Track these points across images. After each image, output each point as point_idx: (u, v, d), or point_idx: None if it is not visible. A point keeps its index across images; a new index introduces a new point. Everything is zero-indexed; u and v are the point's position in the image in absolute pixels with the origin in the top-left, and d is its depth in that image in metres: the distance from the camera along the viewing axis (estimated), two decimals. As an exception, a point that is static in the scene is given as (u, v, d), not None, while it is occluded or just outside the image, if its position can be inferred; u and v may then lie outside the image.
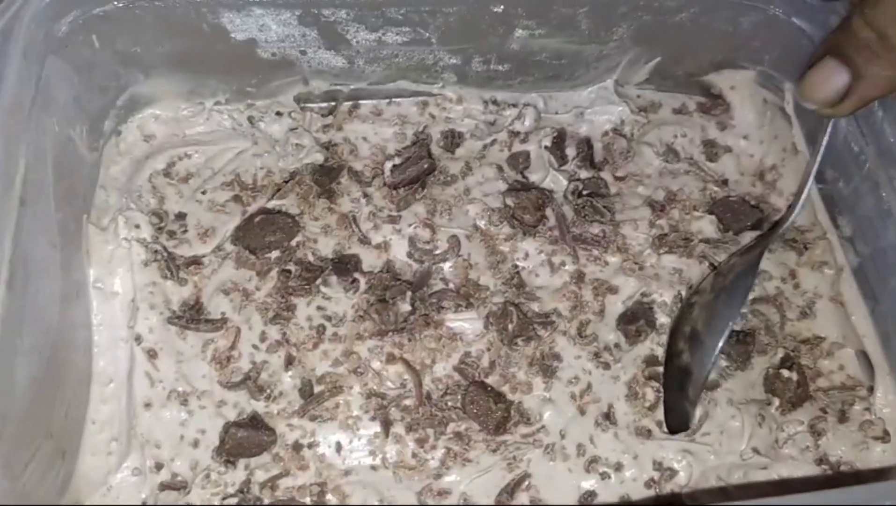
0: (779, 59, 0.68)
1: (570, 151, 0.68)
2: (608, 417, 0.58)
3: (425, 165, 0.64)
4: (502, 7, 0.63)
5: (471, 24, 0.64)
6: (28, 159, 0.52)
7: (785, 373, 0.59)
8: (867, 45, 0.52)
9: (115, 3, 0.59)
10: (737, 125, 0.71)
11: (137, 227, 0.61)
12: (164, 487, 0.55)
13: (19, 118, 0.52)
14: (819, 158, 0.59)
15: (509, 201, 0.64)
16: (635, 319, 0.61)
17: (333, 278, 0.60)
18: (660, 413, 0.58)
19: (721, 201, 0.66)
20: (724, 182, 0.69)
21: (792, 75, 0.67)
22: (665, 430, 0.58)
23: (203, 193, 0.64)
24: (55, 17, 0.57)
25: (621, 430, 0.57)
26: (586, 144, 0.68)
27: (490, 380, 0.58)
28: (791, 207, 0.62)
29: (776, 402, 0.59)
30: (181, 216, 0.63)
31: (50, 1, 0.55)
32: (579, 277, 0.62)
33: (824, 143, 0.59)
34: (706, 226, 0.65)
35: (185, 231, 0.63)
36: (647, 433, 0.57)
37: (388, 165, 0.65)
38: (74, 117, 0.60)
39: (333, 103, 0.69)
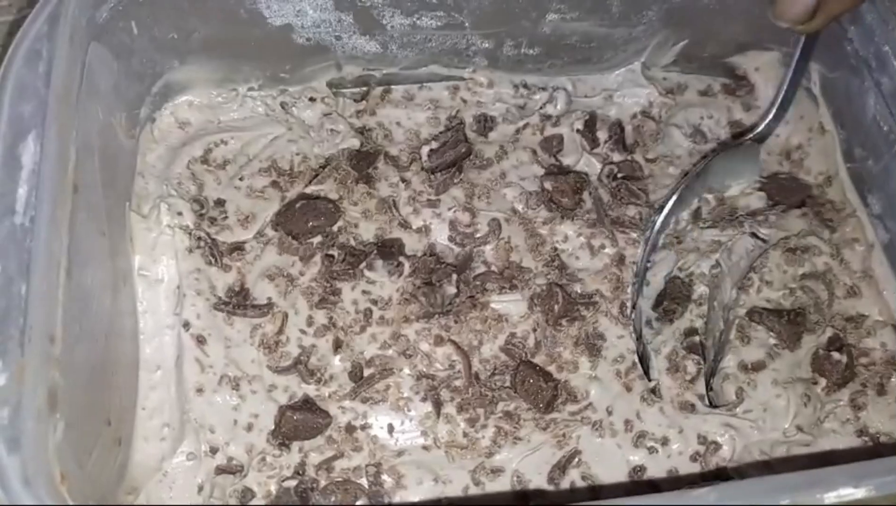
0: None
1: (602, 134, 0.69)
2: (654, 391, 0.59)
3: (463, 150, 0.65)
4: (536, -10, 0.64)
5: (504, 7, 0.65)
6: (78, 146, 0.52)
7: (835, 355, 0.60)
8: None
9: (155, -11, 0.59)
10: (761, 106, 0.72)
11: (180, 214, 0.61)
12: (220, 470, 0.55)
13: (69, 105, 0.52)
14: (791, 72, 0.64)
15: (547, 185, 0.65)
16: (669, 296, 0.62)
17: (378, 262, 0.60)
18: (701, 386, 0.59)
19: (771, 177, 0.67)
20: (753, 162, 0.70)
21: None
22: (706, 403, 0.59)
23: (241, 179, 0.64)
24: (96, 3, 0.56)
25: (666, 404, 0.59)
26: (618, 127, 0.69)
27: (537, 359, 0.59)
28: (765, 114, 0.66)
29: (822, 382, 0.60)
30: (221, 203, 0.63)
31: (93, -13, 0.55)
32: (620, 260, 0.63)
33: (796, 56, 0.63)
34: (754, 201, 0.66)
35: (226, 217, 0.63)
36: (691, 407, 0.59)
37: (426, 149, 0.65)
38: (114, 105, 0.60)
39: (365, 88, 0.70)
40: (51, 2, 0.53)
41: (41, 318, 0.45)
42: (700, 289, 0.63)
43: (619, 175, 0.66)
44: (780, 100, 0.65)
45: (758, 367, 0.60)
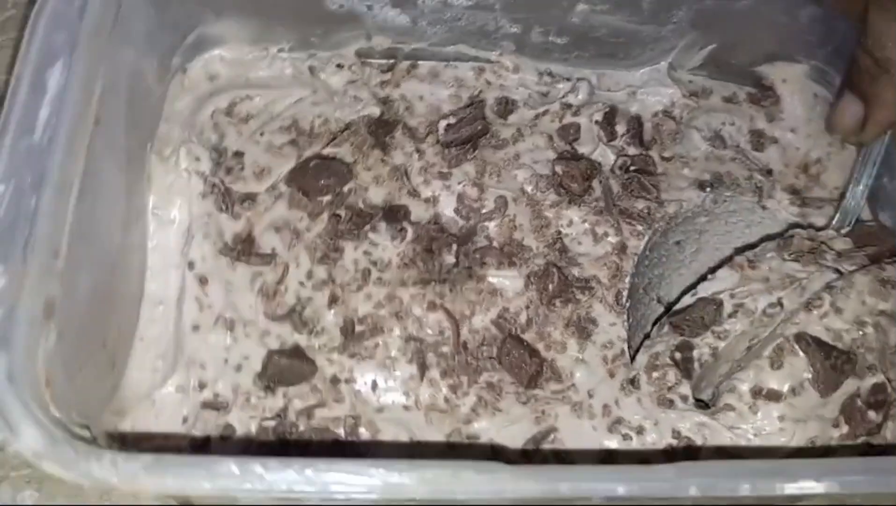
0: (832, 55, 0.69)
1: (620, 128, 0.70)
2: (633, 382, 0.59)
3: (479, 127, 0.66)
4: (569, -21, 0.65)
5: (535, -8, 0.66)
6: (105, 82, 0.54)
7: (871, 415, 0.54)
8: (868, 72, 0.56)
9: (197, -59, 0.61)
10: (786, 118, 0.72)
11: (198, 159, 0.63)
12: (206, 405, 0.57)
13: (100, 41, 0.54)
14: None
15: (558, 169, 0.66)
16: (688, 315, 0.61)
17: (382, 225, 0.61)
18: (683, 388, 0.59)
19: (856, 225, 0.65)
20: (769, 172, 0.70)
21: (841, 67, 0.68)
22: (691, 402, 0.59)
23: (261, 134, 0.66)
24: (135, -53, 0.59)
25: (644, 397, 0.59)
26: (637, 122, 0.70)
27: (526, 336, 0.60)
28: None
29: (845, 429, 0.55)
30: (239, 154, 0.65)
31: (133, -68, 0.58)
32: (621, 249, 0.64)
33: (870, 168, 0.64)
34: (839, 245, 0.61)
35: (243, 169, 0.65)
36: (669, 403, 0.59)
37: (443, 123, 0.66)
38: (146, 51, 0.62)
39: (392, 61, 0.71)
40: (94, -57, 0.55)
41: (47, 231, 0.47)
42: (734, 325, 0.58)
43: (633, 168, 0.67)
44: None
45: (772, 397, 0.55)
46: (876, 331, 0.56)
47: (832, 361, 0.54)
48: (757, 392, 0.56)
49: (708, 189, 0.67)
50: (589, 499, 0.42)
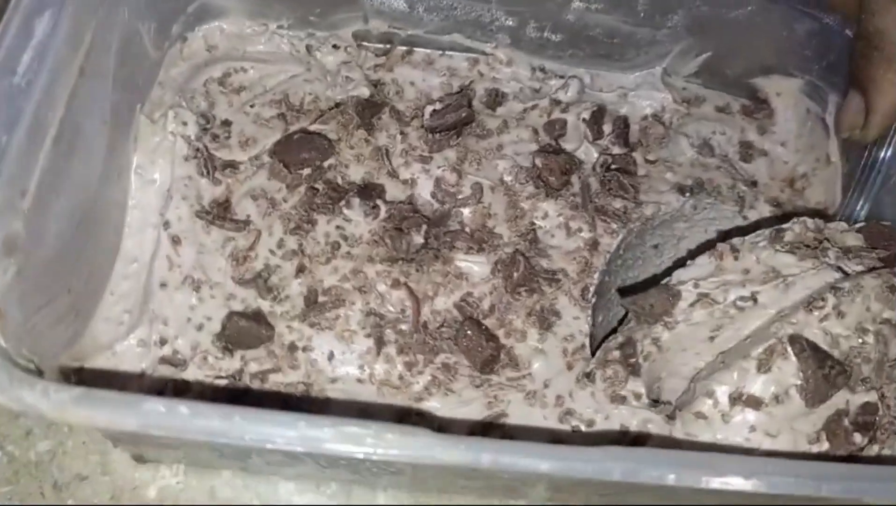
0: (827, 71, 0.69)
1: (607, 128, 0.70)
2: (589, 376, 0.59)
3: (463, 115, 0.66)
4: (564, -26, 0.65)
5: (531, -14, 0.67)
6: (94, 35, 0.56)
7: (857, 437, 0.51)
8: (862, 56, 0.58)
9: (202, -87, 0.63)
10: (777, 132, 0.72)
11: (185, 124, 0.64)
12: (164, 361, 0.58)
13: (93, -2, 0.56)
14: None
15: (538, 161, 0.66)
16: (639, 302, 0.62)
17: (356, 201, 0.62)
18: (634, 386, 0.59)
19: (869, 221, 0.63)
20: (754, 183, 0.70)
21: (838, 88, 0.68)
22: (646, 400, 0.59)
23: (251, 106, 0.68)
24: (140, -87, 0.61)
25: (598, 391, 0.59)
26: (623, 123, 0.70)
27: (487, 322, 0.60)
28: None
29: (824, 447, 0.51)
30: (227, 123, 0.67)
31: None
32: (593, 245, 0.64)
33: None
34: (851, 239, 0.57)
35: (229, 137, 0.66)
36: (622, 399, 0.58)
37: (429, 108, 0.67)
38: (145, 14, 0.64)
39: (388, 46, 0.72)
40: None
41: (15, 170, 0.48)
42: (689, 315, 0.56)
43: (613, 166, 0.67)
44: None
45: (752, 404, 0.51)
46: (876, 341, 0.52)
47: (825, 371, 0.50)
48: (736, 397, 0.52)
49: (688, 194, 0.67)
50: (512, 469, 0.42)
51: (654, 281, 0.62)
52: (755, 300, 0.55)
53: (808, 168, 0.70)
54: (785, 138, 0.72)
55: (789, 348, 0.51)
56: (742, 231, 0.64)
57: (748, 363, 0.52)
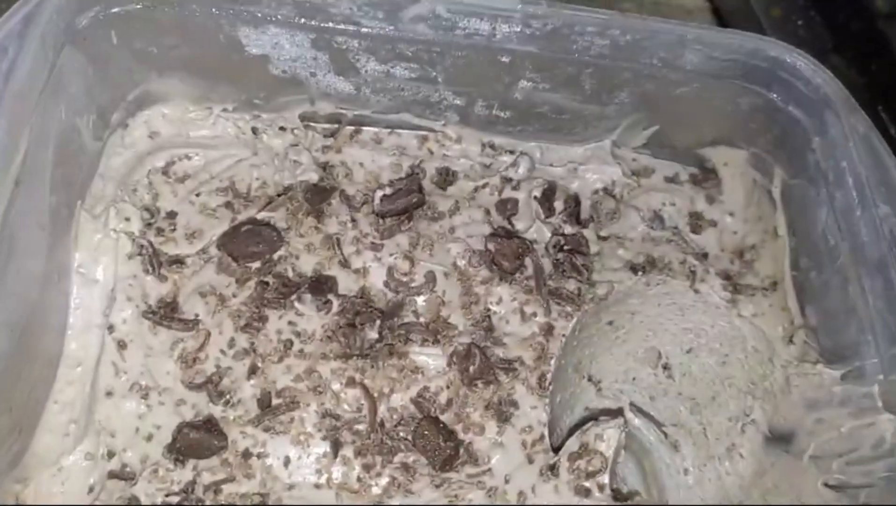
0: (772, 144, 0.69)
1: (559, 205, 0.70)
2: (553, 468, 0.59)
3: (414, 200, 0.66)
4: (509, 58, 0.65)
5: (478, 69, 0.66)
6: (30, 143, 0.54)
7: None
8: None
9: (136, 4, 0.61)
10: (725, 201, 0.73)
11: (128, 219, 0.63)
12: (112, 475, 0.56)
13: (27, 103, 0.54)
14: None
15: (491, 246, 0.65)
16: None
17: (308, 296, 0.61)
18: (603, 477, 0.59)
19: None
20: (705, 256, 0.70)
21: (782, 161, 0.69)
22: (609, 492, 0.59)
23: (197, 195, 0.66)
24: (77, 10, 0.59)
25: (562, 484, 0.58)
26: (574, 201, 0.70)
27: (444, 417, 0.60)
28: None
29: None
30: (172, 215, 0.65)
31: (73, -4, 0.58)
32: (548, 330, 0.63)
33: None
34: None
35: (174, 230, 0.64)
36: (586, 492, 0.58)
37: (379, 193, 0.66)
38: (84, 107, 0.62)
39: (337, 126, 0.71)
40: (29, 3, 0.55)
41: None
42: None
43: (566, 247, 0.67)
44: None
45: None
46: None
47: None
48: None
49: (640, 273, 0.67)
50: None
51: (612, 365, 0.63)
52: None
53: (756, 239, 0.70)
54: (733, 208, 0.72)
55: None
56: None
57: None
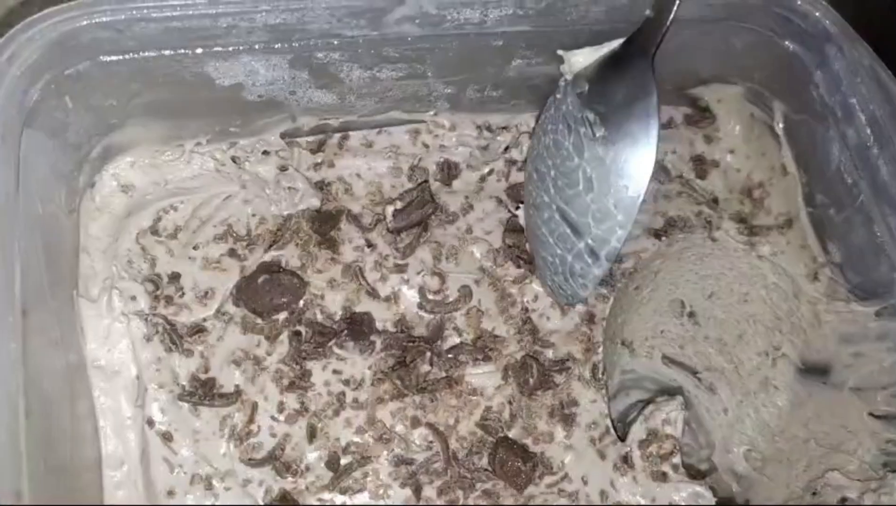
0: (769, 78, 0.68)
1: (567, 178, 0.67)
2: (626, 459, 0.60)
3: (430, 211, 0.62)
4: (502, 41, 0.60)
5: (468, 57, 0.61)
6: (23, 261, 0.47)
7: None
8: None
9: (88, 61, 0.53)
10: (723, 138, 0.72)
11: (133, 298, 0.57)
12: (199, 577, 0.54)
13: (8, 216, 0.47)
14: None
15: (509, 241, 0.63)
16: None
17: (350, 343, 0.58)
18: (676, 458, 0.61)
19: None
20: (715, 200, 0.70)
21: (782, 95, 0.68)
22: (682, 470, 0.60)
23: (195, 248, 0.61)
24: (27, 86, 0.50)
25: (639, 473, 0.60)
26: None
27: (512, 433, 0.59)
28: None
29: None
30: (175, 277, 0.59)
31: (20, 73, 0.49)
32: (590, 319, 0.63)
33: None
34: None
35: (182, 294, 0.59)
36: (663, 477, 0.60)
37: (390, 209, 0.62)
38: (53, 186, 0.55)
39: (322, 136, 0.66)
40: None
41: (7, 478, 0.42)
42: None
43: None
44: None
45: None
46: None
47: None
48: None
49: (662, 237, 0.66)
50: None
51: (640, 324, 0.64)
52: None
53: (763, 176, 0.70)
54: (732, 145, 0.72)
55: None
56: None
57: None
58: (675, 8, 0.53)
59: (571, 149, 0.56)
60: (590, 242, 0.55)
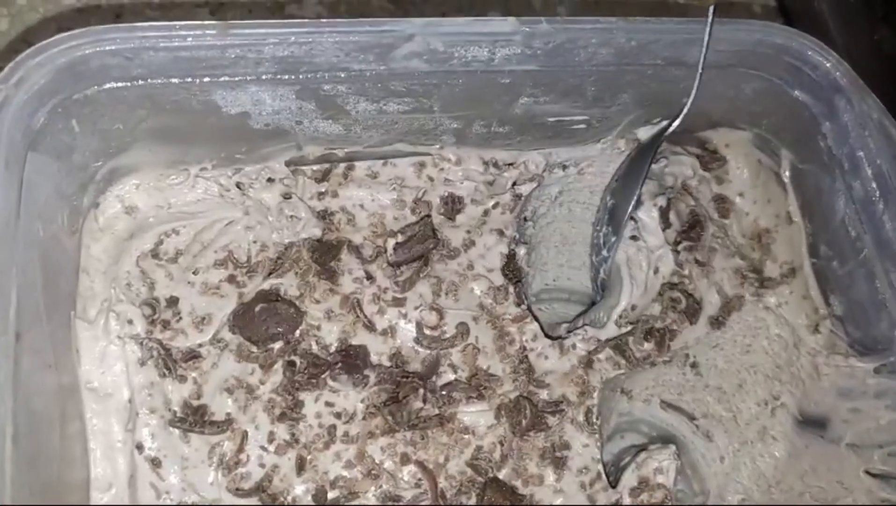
0: (778, 126, 0.68)
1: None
2: (616, 507, 0.59)
3: (431, 246, 0.62)
4: (509, 79, 0.60)
5: (476, 93, 0.61)
6: (19, 284, 0.48)
7: None
8: None
9: (97, 86, 0.53)
10: (733, 181, 0.71)
11: (130, 322, 0.57)
12: None
13: (8, 241, 0.47)
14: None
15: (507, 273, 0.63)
16: None
17: (343, 377, 0.58)
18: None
19: None
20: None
21: (790, 143, 0.67)
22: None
23: (195, 273, 0.61)
24: (33, 110, 0.51)
25: (628, 521, 0.59)
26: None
27: (502, 474, 0.59)
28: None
29: None
30: (173, 301, 0.60)
31: (28, 97, 0.50)
32: (588, 364, 0.62)
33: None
34: None
35: (179, 319, 0.59)
36: (653, 524, 0.59)
37: (391, 242, 0.62)
38: (56, 207, 0.55)
39: (327, 165, 0.66)
40: (-16, 127, 0.47)
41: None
42: None
43: (589, 265, 0.65)
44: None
45: None
46: None
47: None
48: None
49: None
50: None
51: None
52: None
53: (769, 224, 0.70)
54: (741, 188, 0.71)
55: None
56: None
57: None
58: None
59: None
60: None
